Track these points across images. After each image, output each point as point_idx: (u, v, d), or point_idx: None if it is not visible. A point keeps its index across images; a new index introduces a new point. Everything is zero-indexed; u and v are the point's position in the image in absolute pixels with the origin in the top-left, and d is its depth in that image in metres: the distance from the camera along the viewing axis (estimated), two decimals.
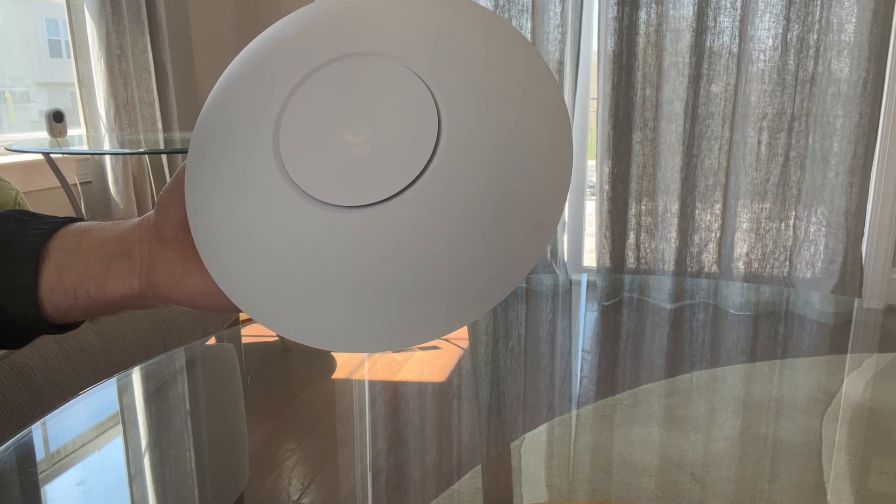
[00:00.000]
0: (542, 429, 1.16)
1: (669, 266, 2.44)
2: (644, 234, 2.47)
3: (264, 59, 0.37)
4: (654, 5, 2.28)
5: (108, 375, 1.06)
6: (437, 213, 0.31)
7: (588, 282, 2.32)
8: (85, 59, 2.26)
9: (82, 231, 0.39)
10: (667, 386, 1.34)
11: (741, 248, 2.39)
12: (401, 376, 1.34)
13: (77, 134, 2.36)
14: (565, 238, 2.62)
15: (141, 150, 1.97)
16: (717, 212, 2.39)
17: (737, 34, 2.24)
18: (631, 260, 2.49)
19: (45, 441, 0.81)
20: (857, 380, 1.27)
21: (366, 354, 1.35)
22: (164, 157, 2.51)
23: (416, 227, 0.31)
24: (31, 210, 0.42)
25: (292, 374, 1.35)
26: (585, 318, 1.82)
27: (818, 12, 2.16)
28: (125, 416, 0.96)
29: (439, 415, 1.24)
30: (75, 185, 2.30)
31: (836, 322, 1.59)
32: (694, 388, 1.33)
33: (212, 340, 1.27)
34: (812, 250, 2.33)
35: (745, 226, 2.37)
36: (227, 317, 1.45)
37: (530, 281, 1.84)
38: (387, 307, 0.32)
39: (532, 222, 0.32)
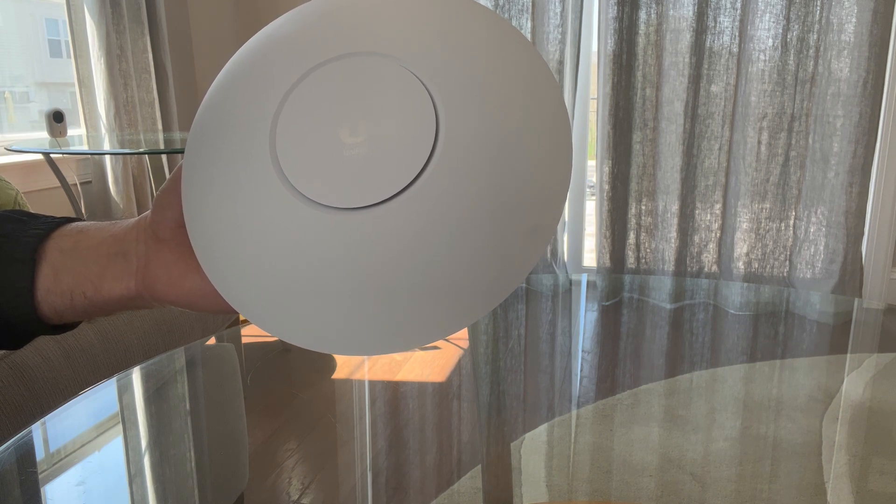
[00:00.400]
0: (542, 429, 1.16)
1: (669, 266, 2.44)
2: (644, 234, 2.47)
3: (261, 58, 0.36)
4: (654, 5, 2.28)
5: (108, 375, 1.06)
6: (434, 214, 0.31)
7: (588, 282, 2.32)
8: (85, 59, 2.26)
9: (79, 231, 0.39)
10: (667, 386, 1.34)
11: (741, 248, 2.39)
12: (401, 376, 1.34)
13: (77, 134, 2.36)
14: (565, 238, 2.62)
15: (141, 150, 1.97)
16: (717, 212, 2.39)
17: (737, 34, 2.24)
18: (631, 260, 2.49)
19: (45, 441, 0.81)
20: (857, 380, 1.27)
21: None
22: (164, 157, 2.51)
23: (414, 230, 0.31)
24: (30, 210, 0.42)
25: (292, 374, 1.35)
26: (585, 318, 1.82)
27: (818, 12, 2.16)
28: (125, 416, 0.96)
29: (439, 415, 1.24)
30: (75, 185, 2.30)
31: (836, 322, 1.59)
32: (694, 388, 1.33)
33: (212, 340, 1.27)
34: (812, 250, 2.33)
35: (745, 226, 2.37)
36: (227, 317, 1.45)
37: (530, 281, 1.84)
38: (384, 310, 0.32)
39: (531, 224, 0.32)
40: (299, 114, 0.33)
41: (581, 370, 1.41)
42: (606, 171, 2.40)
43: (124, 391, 0.98)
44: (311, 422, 1.25)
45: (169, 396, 1.04)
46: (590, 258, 2.73)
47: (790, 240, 2.36)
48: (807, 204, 2.31)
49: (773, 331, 1.63)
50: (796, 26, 2.18)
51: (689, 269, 2.45)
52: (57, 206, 2.24)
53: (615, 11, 2.27)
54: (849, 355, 1.39)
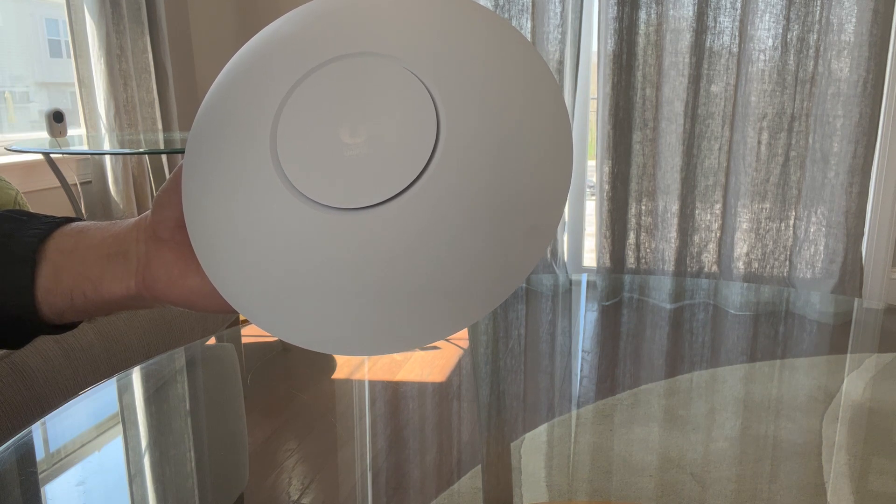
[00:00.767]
0: (542, 429, 1.16)
1: (669, 266, 2.44)
2: (644, 234, 2.47)
3: (262, 58, 0.36)
4: (654, 5, 2.28)
5: (108, 375, 1.06)
6: (435, 215, 0.31)
7: (588, 282, 2.32)
8: (85, 59, 2.26)
9: (79, 231, 0.39)
10: (667, 386, 1.34)
11: (741, 248, 2.39)
12: (401, 376, 1.34)
13: (77, 134, 2.36)
14: (565, 238, 2.62)
15: (141, 150, 1.97)
16: (717, 212, 2.39)
17: (737, 34, 2.24)
18: (631, 260, 2.49)
19: (45, 441, 0.81)
20: (857, 380, 1.27)
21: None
22: (164, 157, 2.51)
23: (414, 230, 0.31)
24: (30, 210, 0.42)
25: (292, 374, 1.35)
26: (585, 318, 1.82)
27: (818, 12, 2.16)
28: (125, 416, 0.96)
29: (439, 415, 1.24)
30: (75, 185, 2.30)
31: (836, 322, 1.59)
32: (694, 388, 1.33)
33: (212, 340, 1.27)
34: (812, 250, 2.33)
35: (745, 226, 2.37)
36: (227, 317, 1.45)
37: (530, 281, 1.84)
38: (385, 310, 0.32)
39: (531, 225, 0.32)
40: (300, 114, 0.33)
41: (581, 370, 1.41)
42: (606, 171, 2.40)
43: (124, 391, 0.98)
44: (311, 422, 1.25)
45: (169, 396, 1.04)
46: (590, 258, 2.73)
47: (790, 240, 2.36)
48: (807, 204, 2.31)
49: (773, 331, 1.63)
50: (796, 26, 2.18)
51: (689, 269, 2.45)
52: (57, 206, 2.24)
53: (615, 11, 2.27)
54: (849, 355, 1.39)
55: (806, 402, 1.22)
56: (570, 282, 2.34)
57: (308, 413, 1.26)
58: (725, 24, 2.25)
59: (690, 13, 2.25)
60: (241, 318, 1.71)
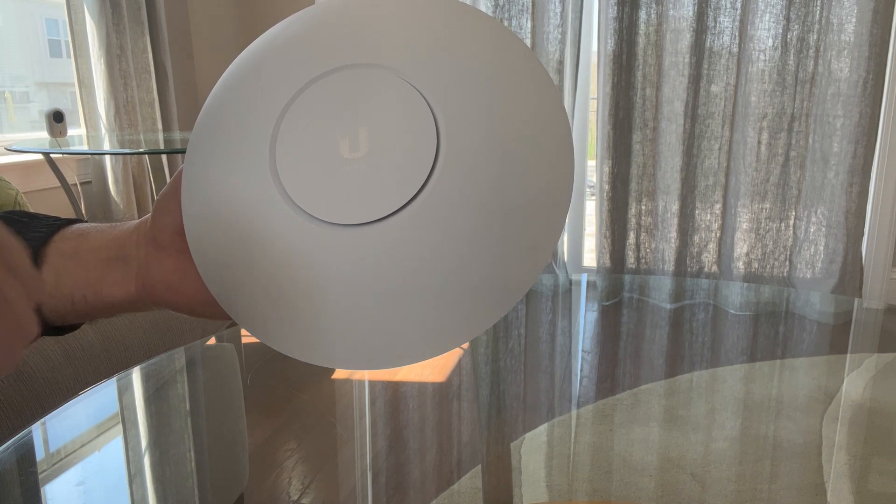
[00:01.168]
0: (542, 429, 1.16)
1: (669, 266, 2.44)
2: (644, 234, 2.47)
3: (261, 67, 0.36)
4: (654, 5, 2.28)
5: (108, 375, 1.06)
6: (433, 232, 0.31)
7: (588, 282, 2.32)
8: (85, 59, 2.26)
9: (80, 234, 0.39)
10: (667, 386, 1.34)
11: (741, 248, 2.39)
12: (401, 376, 1.34)
13: (77, 134, 2.36)
14: (565, 238, 2.62)
15: (141, 150, 1.97)
16: (717, 212, 2.39)
17: (737, 34, 2.24)
18: (631, 260, 2.49)
19: (45, 441, 0.81)
20: (857, 380, 1.27)
21: None
22: (164, 157, 2.51)
23: (411, 248, 0.31)
24: (30, 210, 0.42)
25: (292, 374, 1.35)
26: (585, 318, 1.82)
27: (818, 12, 2.16)
28: (125, 416, 0.96)
29: (439, 415, 1.24)
30: (75, 185, 2.30)
31: (836, 322, 1.59)
32: (694, 388, 1.33)
33: (212, 340, 1.27)
34: (812, 250, 2.33)
35: (745, 226, 2.37)
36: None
37: None
38: (383, 325, 0.31)
39: (531, 242, 0.32)
40: (299, 126, 0.33)
41: (581, 370, 1.41)
42: (606, 171, 2.40)
43: (124, 391, 0.98)
44: (311, 422, 1.25)
45: (169, 396, 1.04)
46: (590, 258, 2.73)
47: (790, 240, 2.36)
48: (807, 204, 2.31)
49: (773, 331, 1.63)
50: (796, 26, 2.18)
51: (689, 269, 2.45)
52: (57, 207, 2.24)
53: (615, 11, 2.27)
54: (849, 355, 1.39)
55: (806, 402, 1.22)
56: (570, 282, 2.34)
57: (308, 413, 1.26)
58: (725, 24, 2.25)
59: (690, 13, 2.25)
60: None
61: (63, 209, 2.24)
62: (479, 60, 0.34)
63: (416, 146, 0.31)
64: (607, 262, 2.47)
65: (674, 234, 2.41)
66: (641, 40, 2.31)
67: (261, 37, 0.38)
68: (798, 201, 2.32)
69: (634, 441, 1.16)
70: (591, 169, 2.60)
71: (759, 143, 2.28)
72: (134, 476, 0.85)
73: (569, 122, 0.34)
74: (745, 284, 2.37)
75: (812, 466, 1.04)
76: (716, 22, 2.25)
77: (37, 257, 0.37)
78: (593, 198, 2.57)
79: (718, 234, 2.41)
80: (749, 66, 2.23)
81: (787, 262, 2.38)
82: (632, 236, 2.47)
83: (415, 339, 0.32)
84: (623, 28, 2.30)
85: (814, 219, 2.31)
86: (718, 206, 2.39)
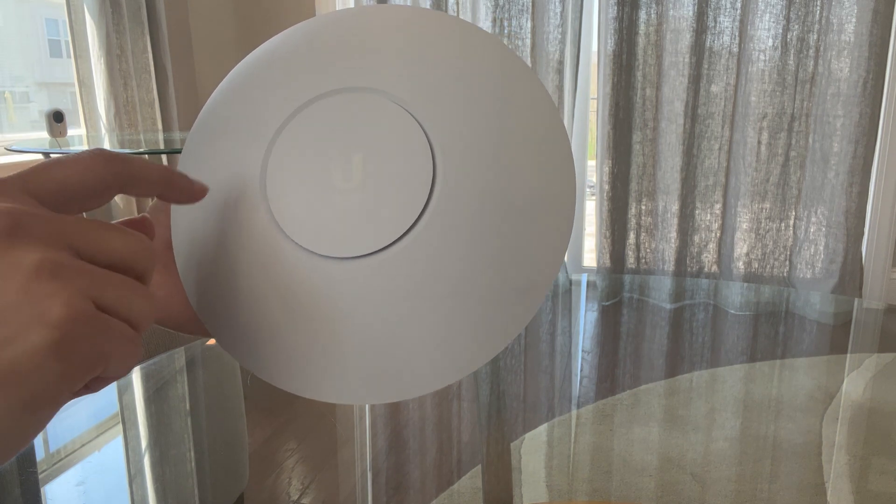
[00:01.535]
0: (542, 429, 1.16)
1: (669, 266, 2.44)
2: (644, 234, 2.47)
3: (253, 88, 0.35)
4: (654, 5, 2.28)
5: None
6: (426, 268, 0.30)
7: (588, 282, 2.32)
8: (85, 59, 2.26)
9: None
10: (667, 386, 1.34)
11: (741, 248, 2.39)
12: None
13: (77, 134, 2.36)
14: None
15: (141, 150, 1.97)
16: (717, 212, 2.39)
17: (737, 34, 2.24)
18: (631, 260, 2.49)
19: (45, 441, 0.81)
20: (857, 380, 1.27)
21: None
22: (164, 157, 2.51)
23: (403, 283, 0.30)
24: None
25: None
26: (585, 318, 1.82)
27: (818, 12, 2.16)
28: (125, 416, 0.96)
29: (439, 415, 1.24)
30: None
31: (836, 322, 1.59)
32: (694, 388, 1.33)
33: (212, 340, 1.27)
34: (812, 250, 2.33)
35: (745, 226, 2.37)
36: None
37: None
38: (372, 361, 0.30)
39: (525, 283, 0.30)
40: (291, 152, 0.32)
41: (581, 370, 1.41)
42: (606, 171, 2.40)
43: (124, 391, 0.98)
44: (311, 422, 1.25)
45: (169, 396, 1.04)
46: (590, 258, 2.73)
47: (790, 240, 2.36)
48: (807, 204, 2.31)
49: (773, 331, 1.63)
50: (796, 26, 2.18)
51: (689, 269, 2.45)
52: None
53: (615, 11, 2.27)
54: (849, 355, 1.39)
55: (806, 402, 1.22)
56: (570, 282, 2.34)
57: (308, 413, 1.26)
58: (725, 24, 2.25)
59: (690, 13, 2.25)
60: None
61: None
62: (477, 84, 0.33)
63: (411, 177, 0.30)
64: (607, 262, 2.48)
65: (674, 234, 2.41)
66: (641, 40, 2.31)
67: (255, 52, 0.37)
68: (798, 201, 2.32)
69: (634, 441, 1.16)
70: (591, 169, 2.60)
71: (759, 143, 2.28)
72: (134, 476, 0.85)
73: (570, 148, 0.33)
74: (745, 284, 2.37)
75: (812, 466, 1.04)
76: (716, 22, 2.25)
77: None
78: (593, 198, 2.57)
79: (718, 234, 2.41)
80: (749, 66, 2.24)
81: (787, 262, 2.38)
82: (632, 236, 2.47)
83: (403, 375, 0.31)
84: (623, 28, 2.30)
85: (814, 219, 2.31)
86: (718, 206, 2.39)
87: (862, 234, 2.29)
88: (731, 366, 1.40)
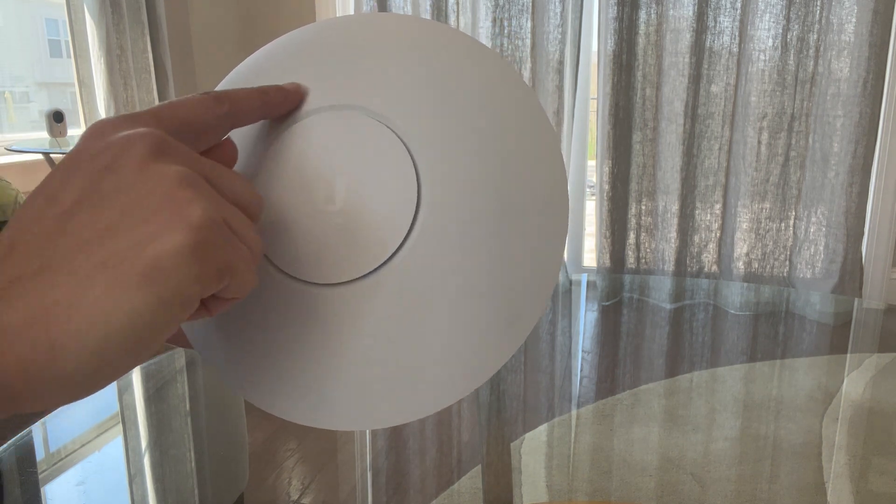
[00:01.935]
0: (542, 429, 1.16)
1: (669, 266, 2.44)
2: (644, 234, 2.47)
3: None
4: (654, 5, 2.28)
5: None
6: (409, 295, 0.29)
7: (588, 282, 2.32)
8: (85, 59, 2.26)
9: None
10: (667, 386, 1.34)
11: (741, 248, 2.39)
12: None
13: (77, 134, 2.36)
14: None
15: None
16: (717, 212, 2.39)
17: (737, 34, 2.24)
18: (631, 260, 2.49)
19: (45, 441, 0.81)
20: (857, 380, 1.27)
21: None
22: None
23: (385, 310, 0.29)
24: None
25: None
26: (585, 318, 1.82)
27: (818, 12, 2.16)
28: (125, 416, 0.96)
29: (439, 415, 1.24)
30: None
31: (836, 322, 1.59)
32: (694, 388, 1.33)
33: None
34: (812, 250, 2.33)
35: (745, 226, 2.37)
36: None
37: None
38: (355, 388, 0.30)
39: (511, 316, 0.30)
40: (273, 177, 0.31)
41: (581, 370, 1.41)
42: (606, 171, 2.40)
43: (124, 391, 0.98)
44: None
45: (169, 396, 1.04)
46: (590, 258, 2.73)
47: (790, 240, 2.36)
48: (807, 204, 2.31)
49: (773, 331, 1.63)
50: (796, 26, 2.18)
51: (689, 269, 2.45)
52: None
53: (615, 11, 2.27)
54: (849, 355, 1.39)
55: (806, 402, 1.22)
56: (570, 282, 2.34)
57: None
58: (725, 24, 2.25)
59: (690, 13, 2.25)
60: None
61: None
62: (467, 100, 0.31)
63: (395, 201, 0.29)
64: (607, 262, 2.48)
65: (674, 234, 2.41)
66: (641, 40, 2.31)
67: (237, 69, 0.36)
68: (798, 201, 2.32)
69: (634, 441, 1.16)
70: (591, 169, 2.60)
71: (759, 142, 2.28)
72: (134, 476, 0.85)
73: (564, 168, 0.32)
74: (745, 284, 2.37)
75: (812, 466, 1.04)
76: (716, 22, 2.25)
77: None
78: (593, 198, 2.57)
79: (718, 234, 2.41)
80: (749, 66, 2.24)
81: (787, 262, 2.38)
82: (632, 236, 2.47)
83: (390, 403, 0.30)
84: (623, 28, 2.30)
85: (814, 219, 2.31)
86: (718, 205, 2.39)
87: (862, 234, 2.29)
88: (731, 366, 1.40)
